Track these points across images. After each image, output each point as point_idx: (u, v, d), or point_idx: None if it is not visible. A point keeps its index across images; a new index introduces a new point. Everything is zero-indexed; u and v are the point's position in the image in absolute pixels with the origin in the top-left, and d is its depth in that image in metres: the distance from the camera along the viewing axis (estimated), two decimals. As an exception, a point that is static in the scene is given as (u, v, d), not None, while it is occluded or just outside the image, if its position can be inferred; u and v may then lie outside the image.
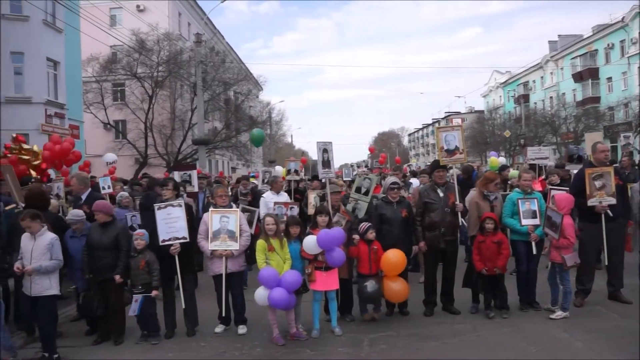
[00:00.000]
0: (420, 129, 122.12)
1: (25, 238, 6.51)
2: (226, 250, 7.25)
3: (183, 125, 37.45)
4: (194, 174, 12.11)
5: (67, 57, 25.71)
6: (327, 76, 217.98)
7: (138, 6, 38.87)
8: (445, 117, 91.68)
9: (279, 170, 18.11)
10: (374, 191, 9.12)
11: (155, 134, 35.55)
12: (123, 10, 36.45)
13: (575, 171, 9.47)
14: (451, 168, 8.71)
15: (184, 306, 7.33)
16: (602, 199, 7.63)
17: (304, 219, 9.70)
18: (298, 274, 6.87)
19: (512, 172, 12.98)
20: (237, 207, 8.53)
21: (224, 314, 7.46)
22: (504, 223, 7.83)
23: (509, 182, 12.06)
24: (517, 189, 8.16)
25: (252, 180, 16.38)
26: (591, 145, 8.79)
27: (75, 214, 7.59)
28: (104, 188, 11.36)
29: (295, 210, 9.17)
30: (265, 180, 13.35)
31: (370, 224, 7.70)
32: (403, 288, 7.44)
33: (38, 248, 6.39)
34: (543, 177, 12.14)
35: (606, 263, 8.02)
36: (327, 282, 7.12)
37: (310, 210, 10.01)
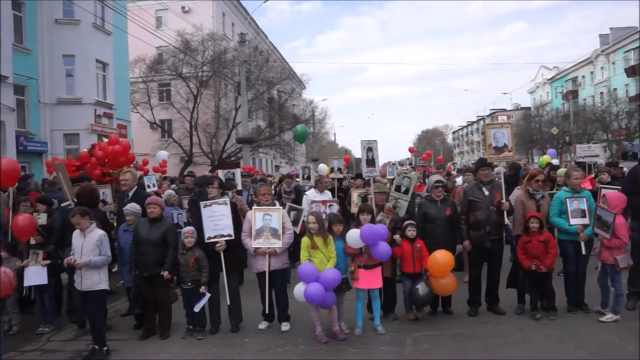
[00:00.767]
0: (464, 126, 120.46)
1: (76, 234, 6.70)
2: (269, 248, 7.31)
3: (227, 124, 37.93)
4: (238, 172, 12.26)
5: (115, 59, 26.38)
6: (371, 74, 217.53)
7: (183, 7, 39.55)
8: (491, 114, 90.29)
9: (323, 168, 18.11)
10: (417, 189, 9.03)
11: (200, 133, 36.12)
12: (168, 12, 37.25)
13: (627, 169, 9.17)
14: (496, 166, 8.55)
15: (228, 303, 7.43)
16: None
17: (347, 217, 9.67)
18: (337, 272, 6.84)
19: (560, 171, 12.66)
20: (281, 206, 8.56)
21: (267, 311, 7.52)
22: (552, 222, 7.65)
23: (557, 180, 11.76)
24: (564, 188, 7.94)
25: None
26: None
27: (133, 206, 7.77)
28: (149, 186, 11.58)
29: (335, 208, 9.14)
30: (305, 176, 13.37)
31: (410, 221, 7.64)
32: (451, 281, 7.37)
33: (88, 244, 6.57)
34: (592, 175, 11.81)
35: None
36: (370, 280, 7.10)
37: (353, 209, 9.98)
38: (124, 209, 7.91)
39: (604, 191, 8.05)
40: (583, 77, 62.41)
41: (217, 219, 7.32)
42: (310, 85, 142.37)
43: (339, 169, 16.91)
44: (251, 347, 6.84)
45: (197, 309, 7.22)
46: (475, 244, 7.72)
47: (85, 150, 13.64)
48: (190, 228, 7.45)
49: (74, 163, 12.89)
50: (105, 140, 14.54)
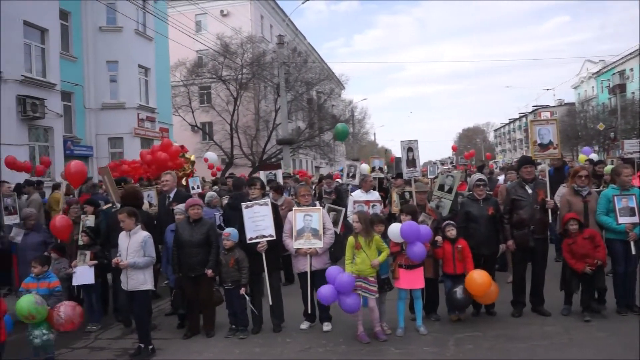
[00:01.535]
0: (506, 124, 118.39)
1: (122, 235, 6.85)
2: (310, 248, 7.33)
3: (267, 126, 38.18)
4: (279, 173, 12.34)
5: (157, 64, 26.91)
6: (409, 72, 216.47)
7: (222, 11, 40.04)
8: (533, 110, 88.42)
9: (364, 168, 18.07)
10: (460, 188, 8.91)
11: (241, 135, 36.43)
12: (208, 16, 37.69)
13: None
14: (540, 164, 8.36)
15: (270, 303, 7.47)
16: None
17: (388, 217, 9.61)
18: (350, 277, 6.79)
19: (607, 168, 12.30)
20: (321, 206, 8.56)
21: (309, 311, 7.54)
22: (599, 221, 7.44)
23: (604, 178, 11.42)
24: (612, 185, 7.70)
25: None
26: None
27: (182, 207, 7.92)
28: (193, 188, 11.76)
29: (378, 208, 9.09)
30: (350, 175, 13.32)
31: (449, 221, 7.55)
32: (491, 290, 7.17)
33: (132, 245, 6.71)
34: (641, 172, 11.44)
35: None
36: (412, 280, 7.04)
37: (394, 209, 9.92)
38: (174, 209, 8.06)
39: (653, 188, 7.75)
40: (631, 69, 60.19)
41: (258, 220, 7.39)
42: (349, 85, 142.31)
43: (380, 169, 16.83)
44: (293, 347, 6.87)
45: (247, 311, 7.34)
46: (518, 243, 7.57)
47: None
48: (227, 230, 7.52)
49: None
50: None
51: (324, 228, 7.42)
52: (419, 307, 7.22)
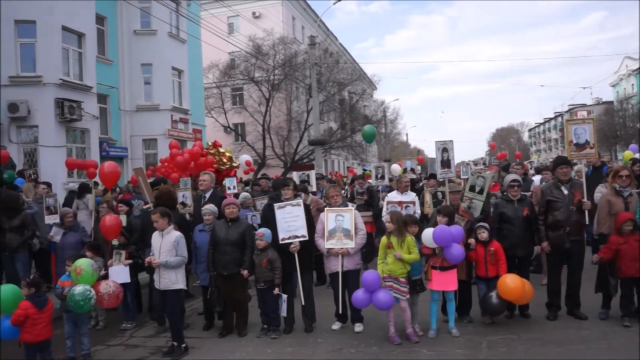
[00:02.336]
0: (541, 123, 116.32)
1: (155, 235, 6.95)
2: (342, 248, 7.31)
3: (299, 126, 38.30)
4: (312, 173, 12.35)
5: (190, 66, 27.21)
6: (442, 72, 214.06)
7: (254, 13, 40.31)
8: (570, 110, 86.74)
9: (396, 168, 17.97)
10: (492, 189, 8.78)
11: (273, 136, 36.63)
12: (240, 18, 37.99)
13: None
14: (576, 164, 8.18)
15: (303, 303, 7.48)
16: None
17: (421, 218, 9.54)
18: (373, 273, 6.79)
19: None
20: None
21: (340, 312, 7.53)
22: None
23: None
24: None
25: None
26: None
27: (211, 206, 8.01)
28: (229, 188, 11.89)
29: (411, 209, 9.03)
30: (379, 176, 13.26)
31: (481, 223, 7.45)
32: (526, 291, 7.03)
33: (165, 245, 6.79)
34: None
35: None
36: (445, 282, 6.97)
37: (427, 210, 9.84)
38: (202, 209, 8.14)
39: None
40: (674, 65, 58.55)
41: (290, 220, 7.42)
42: (381, 85, 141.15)
43: (412, 169, 16.72)
44: (324, 347, 6.88)
45: (283, 313, 7.39)
46: (554, 245, 7.42)
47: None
48: (260, 231, 7.55)
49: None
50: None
51: (356, 228, 7.40)
52: (451, 309, 7.15)
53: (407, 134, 70.49)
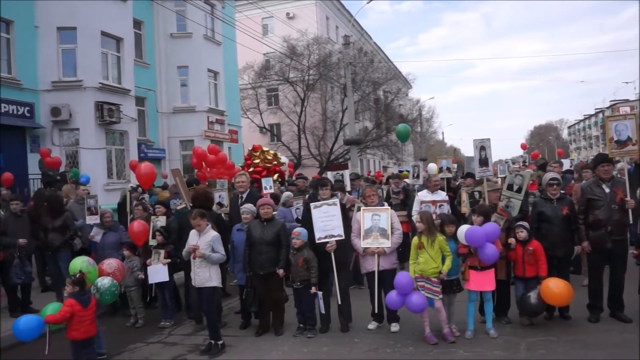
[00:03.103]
0: (581, 120, 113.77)
1: (192, 233, 7.05)
2: (378, 247, 7.28)
3: (334, 126, 38.32)
4: (346, 173, 12.34)
5: (225, 67, 27.47)
6: (477, 70, 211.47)
7: (288, 14, 40.50)
8: (611, 105, 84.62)
9: (432, 167, 17.81)
10: (530, 188, 8.63)
11: (308, 136, 36.77)
12: (274, 19, 38.21)
13: None
14: (618, 162, 7.95)
15: (339, 302, 7.48)
16: None
17: (457, 217, 9.44)
18: (406, 276, 6.76)
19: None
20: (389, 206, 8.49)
21: (376, 311, 7.51)
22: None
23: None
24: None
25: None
26: None
27: (250, 206, 8.07)
28: (265, 188, 11.97)
29: (445, 208, 8.94)
30: (415, 175, 13.17)
31: (520, 222, 7.31)
32: (566, 293, 6.84)
33: (202, 243, 6.88)
34: None
35: None
36: (482, 282, 6.88)
37: (464, 209, 9.73)
38: (241, 208, 8.21)
39: None
40: None
41: (327, 220, 7.42)
42: (416, 84, 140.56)
43: (448, 168, 16.56)
44: (360, 347, 6.86)
45: (322, 310, 7.41)
46: (595, 244, 7.22)
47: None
48: (297, 230, 7.58)
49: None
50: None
51: (392, 228, 7.36)
52: (489, 309, 7.05)
53: (442, 133, 69.84)
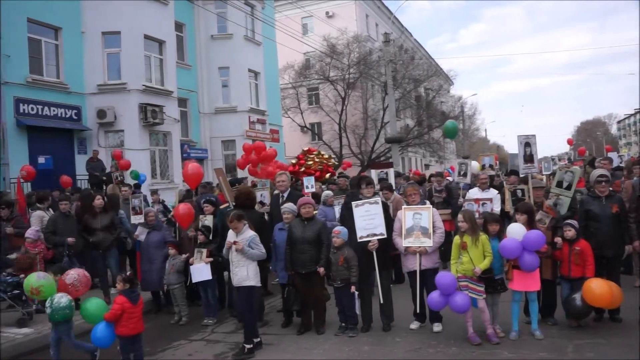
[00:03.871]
0: (631, 114, 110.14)
1: (230, 234, 7.05)
2: (420, 246, 7.19)
3: (375, 124, 38.14)
4: (391, 172, 12.26)
5: (266, 67, 27.67)
6: (519, 65, 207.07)
7: (327, 12, 40.48)
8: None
9: (474, 165, 17.54)
10: (578, 185, 8.38)
11: (349, 134, 36.71)
12: (313, 18, 38.27)
13: None
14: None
15: (381, 301, 7.42)
16: None
17: (501, 215, 9.25)
18: (449, 276, 6.66)
19: None
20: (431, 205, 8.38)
21: (418, 311, 7.43)
22: None
23: None
24: None
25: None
26: None
27: (291, 205, 8.09)
28: (307, 187, 11.97)
29: (488, 207, 8.78)
30: (462, 173, 13.00)
31: (568, 221, 7.10)
32: (614, 295, 6.57)
33: (240, 242, 6.83)
34: None
35: None
36: (527, 282, 6.71)
37: (507, 207, 9.53)
38: (281, 207, 8.24)
39: None
40: None
41: (369, 219, 7.37)
42: (458, 80, 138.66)
43: (491, 166, 16.28)
44: (402, 347, 6.80)
45: (357, 310, 7.35)
46: (647, 244, 6.96)
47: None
48: (337, 228, 7.55)
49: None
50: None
51: (434, 226, 7.27)
52: (534, 310, 6.87)
53: (485, 130, 68.77)
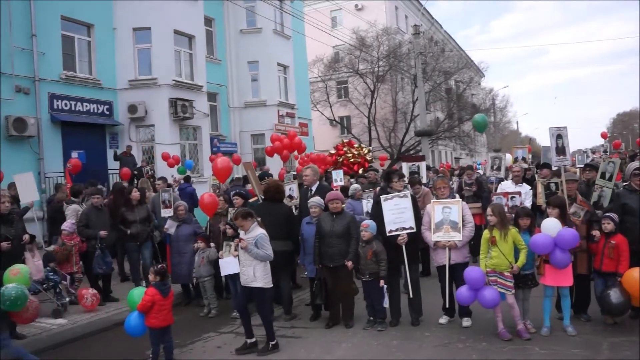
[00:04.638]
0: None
1: (240, 233, 6.88)
2: (449, 241, 7.12)
3: (405, 118, 37.93)
4: (423, 165, 12.15)
5: (295, 61, 27.66)
6: (554, 56, 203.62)
7: (356, 5, 40.34)
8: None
9: (508, 158, 17.30)
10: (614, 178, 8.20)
11: (379, 128, 36.59)
12: (342, 11, 38.16)
13: None
14: None
15: (411, 295, 7.38)
16: None
17: (533, 209, 9.11)
18: (477, 271, 6.57)
19: None
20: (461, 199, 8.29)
21: (448, 305, 7.36)
22: None
23: None
24: None
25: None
26: None
27: (317, 199, 8.12)
28: (335, 180, 11.96)
29: (517, 200, 8.64)
30: (495, 167, 12.84)
31: (608, 214, 6.93)
32: None
33: (247, 240, 6.66)
34: None
35: None
36: (559, 277, 6.57)
37: (539, 201, 9.37)
38: (309, 202, 8.24)
39: None
40: None
41: (398, 212, 7.32)
42: (489, 72, 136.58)
43: (524, 158, 16.04)
44: (431, 341, 6.74)
45: (385, 304, 7.31)
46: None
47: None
48: (366, 222, 7.51)
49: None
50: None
51: (463, 220, 7.18)
52: (566, 305, 6.73)
53: (517, 122, 67.73)
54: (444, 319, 7.42)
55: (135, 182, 14.53)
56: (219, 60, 24.27)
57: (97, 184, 12.55)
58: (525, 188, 9.97)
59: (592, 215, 7.13)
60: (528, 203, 9.43)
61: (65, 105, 16.65)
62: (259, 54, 24.99)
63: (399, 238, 7.26)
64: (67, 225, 9.20)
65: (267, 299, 6.90)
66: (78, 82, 17.22)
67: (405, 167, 12.55)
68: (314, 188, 9.02)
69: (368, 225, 7.38)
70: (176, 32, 19.54)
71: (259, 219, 6.86)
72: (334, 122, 38.94)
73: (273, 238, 7.88)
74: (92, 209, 9.70)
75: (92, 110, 17.56)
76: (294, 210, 9.70)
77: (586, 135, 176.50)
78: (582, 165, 13.42)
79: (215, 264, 8.60)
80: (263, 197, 8.80)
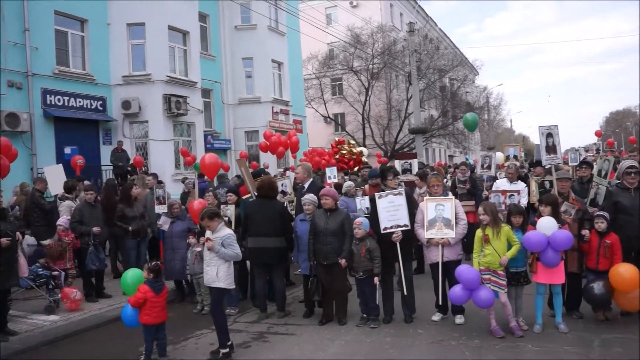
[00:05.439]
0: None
1: (207, 233, 6.69)
2: (442, 238, 7.14)
3: (399, 115, 37.97)
4: (415, 162, 12.17)
5: (289, 58, 27.67)
6: (549, 55, 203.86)
7: (351, 2, 40.31)
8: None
9: (499, 156, 17.33)
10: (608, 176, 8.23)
11: (373, 125, 36.64)
12: (337, 8, 38.14)
13: None
14: None
15: (405, 293, 7.40)
16: None
17: (527, 207, 9.14)
18: (472, 271, 6.56)
19: None
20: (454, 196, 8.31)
21: (441, 302, 7.38)
22: None
23: None
24: None
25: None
26: None
27: (311, 196, 8.09)
28: (329, 177, 11.95)
29: (515, 199, 8.67)
30: (485, 166, 12.89)
31: (600, 212, 6.97)
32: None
33: (214, 240, 6.54)
34: None
35: None
36: (551, 275, 6.60)
37: (532, 199, 9.41)
38: (302, 199, 8.24)
39: None
40: None
41: (393, 210, 7.33)
42: (484, 70, 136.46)
43: (515, 157, 16.08)
44: (424, 338, 6.76)
45: (377, 301, 7.34)
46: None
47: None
48: (359, 219, 7.52)
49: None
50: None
51: (456, 218, 7.19)
52: (558, 303, 6.77)
53: (511, 120, 67.91)
54: (437, 316, 7.44)
55: (129, 178, 14.52)
56: (213, 57, 24.23)
57: (85, 179, 12.52)
58: (520, 185, 10.00)
59: (584, 213, 7.16)
60: (525, 201, 9.46)
61: (59, 100, 16.60)
62: (253, 50, 24.98)
63: (394, 235, 7.26)
64: (63, 220, 9.18)
65: (223, 300, 6.70)
66: (71, 77, 17.17)
67: (397, 165, 12.58)
68: (306, 185, 9.02)
69: (361, 223, 7.38)
70: (170, 28, 19.50)
71: (225, 218, 6.77)
72: (328, 119, 38.95)
73: (267, 235, 7.93)
74: (85, 205, 9.66)
75: (85, 106, 17.51)
76: (287, 207, 9.70)
77: (580, 134, 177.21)
78: (576, 164, 13.48)
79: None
80: (256, 193, 8.79)
